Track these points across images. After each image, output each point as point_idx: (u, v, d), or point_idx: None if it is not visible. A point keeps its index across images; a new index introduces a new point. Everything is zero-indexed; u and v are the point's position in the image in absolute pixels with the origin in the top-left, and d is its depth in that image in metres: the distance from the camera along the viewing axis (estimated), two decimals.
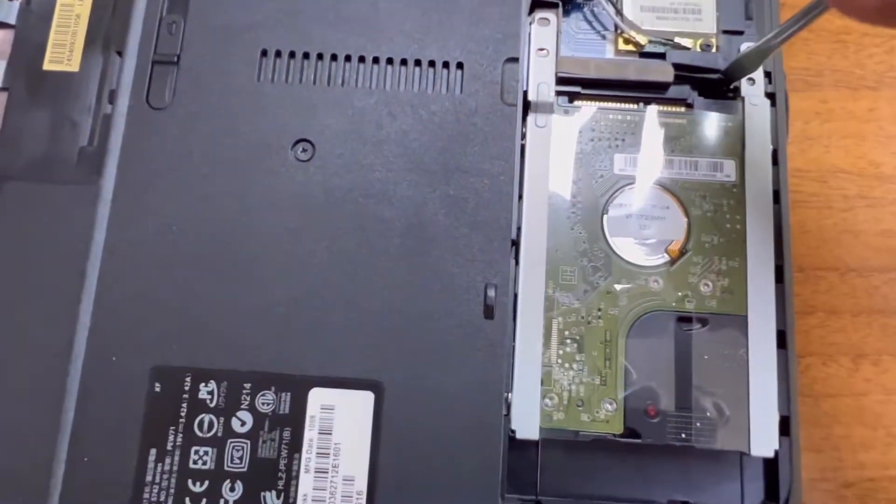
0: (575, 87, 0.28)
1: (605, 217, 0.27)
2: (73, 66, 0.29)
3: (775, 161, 0.28)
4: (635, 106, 0.29)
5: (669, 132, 0.28)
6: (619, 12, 0.29)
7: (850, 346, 0.29)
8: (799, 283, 0.29)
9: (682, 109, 0.29)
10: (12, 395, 0.25)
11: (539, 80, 0.28)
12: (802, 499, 0.26)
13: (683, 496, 0.26)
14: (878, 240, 0.31)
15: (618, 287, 0.27)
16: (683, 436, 0.25)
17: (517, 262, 0.26)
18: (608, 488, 0.26)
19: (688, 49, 0.29)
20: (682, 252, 0.27)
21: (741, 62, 0.27)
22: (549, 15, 0.29)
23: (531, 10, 0.29)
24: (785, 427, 0.26)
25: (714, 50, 0.29)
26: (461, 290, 0.26)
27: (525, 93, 0.28)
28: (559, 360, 0.26)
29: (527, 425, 0.25)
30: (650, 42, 0.29)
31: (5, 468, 0.24)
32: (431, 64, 0.28)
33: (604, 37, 0.30)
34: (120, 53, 0.28)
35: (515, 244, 0.26)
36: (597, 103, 0.29)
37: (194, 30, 0.28)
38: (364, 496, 0.24)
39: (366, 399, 0.25)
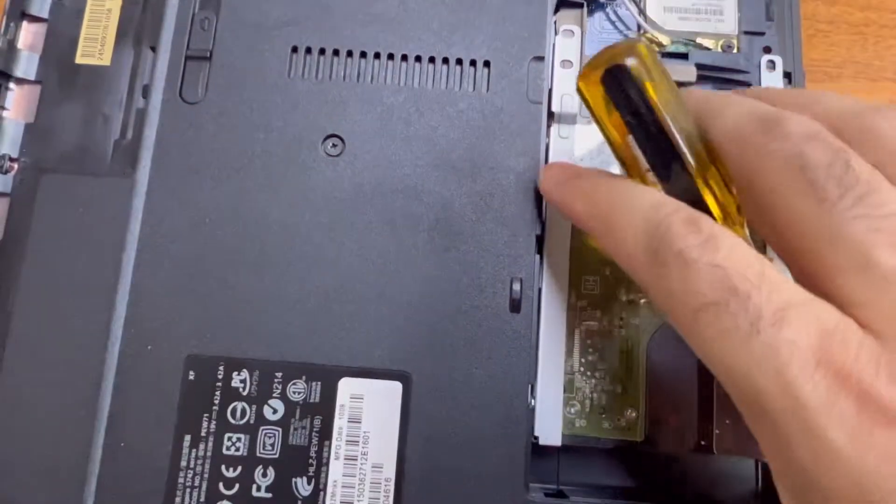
0: None
1: None
2: (105, 60, 0.29)
3: None
4: None
5: None
6: (641, 12, 0.30)
7: None
8: None
9: None
10: (51, 382, 0.25)
11: (563, 91, 0.28)
12: None
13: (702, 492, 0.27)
14: None
15: (640, 296, 0.27)
16: (703, 443, 0.26)
17: (542, 257, 0.27)
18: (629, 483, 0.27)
19: (709, 49, 0.30)
20: None
21: None
22: (574, 27, 0.29)
23: (556, 9, 0.30)
24: None
25: (735, 50, 0.30)
26: (487, 283, 0.26)
27: (549, 103, 0.28)
28: (581, 369, 0.27)
29: (549, 432, 0.26)
30: (672, 42, 0.30)
31: (45, 453, 0.25)
32: (459, 62, 0.28)
33: (626, 36, 0.30)
34: (153, 49, 0.29)
35: (540, 239, 0.27)
36: None
37: (226, 26, 0.29)
38: (392, 483, 0.25)
39: (394, 389, 0.26)
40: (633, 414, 0.26)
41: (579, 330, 0.27)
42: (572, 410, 0.26)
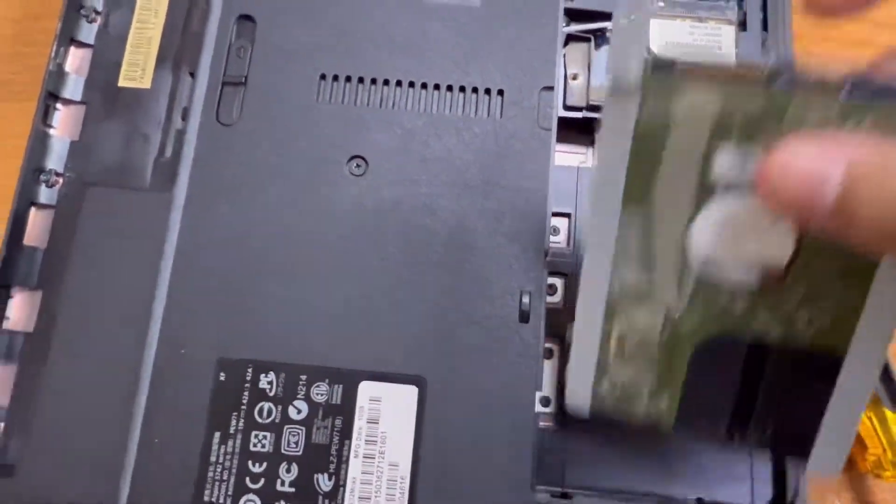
0: None
1: (692, 226, 0.21)
2: (146, 83, 0.32)
3: None
4: None
5: None
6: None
7: None
8: None
9: None
10: (91, 381, 0.27)
11: None
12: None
13: (698, 492, 0.28)
14: None
15: (695, 301, 0.22)
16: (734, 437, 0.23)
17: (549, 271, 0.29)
18: (628, 481, 0.28)
19: None
20: (785, 273, 0.21)
21: None
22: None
23: (565, 44, 0.32)
24: None
25: None
26: (498, 295, 0.28)
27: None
28: (619, 350, 0.23)
29: (579, 404, 0.23)
30: None
31: (84, 447, 0.27)
32: (475, 90, 0.31)
33: None
34: (192, 74, 0.31)
35: (548, 254, 0.29)
36: None
37: (260, 54, 0.31)
38: (407, 481, 0.27)
39: (410, 393, 0.27)
40: (666, 402, 0.23)
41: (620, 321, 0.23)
42: (604, 388, 0.23)
